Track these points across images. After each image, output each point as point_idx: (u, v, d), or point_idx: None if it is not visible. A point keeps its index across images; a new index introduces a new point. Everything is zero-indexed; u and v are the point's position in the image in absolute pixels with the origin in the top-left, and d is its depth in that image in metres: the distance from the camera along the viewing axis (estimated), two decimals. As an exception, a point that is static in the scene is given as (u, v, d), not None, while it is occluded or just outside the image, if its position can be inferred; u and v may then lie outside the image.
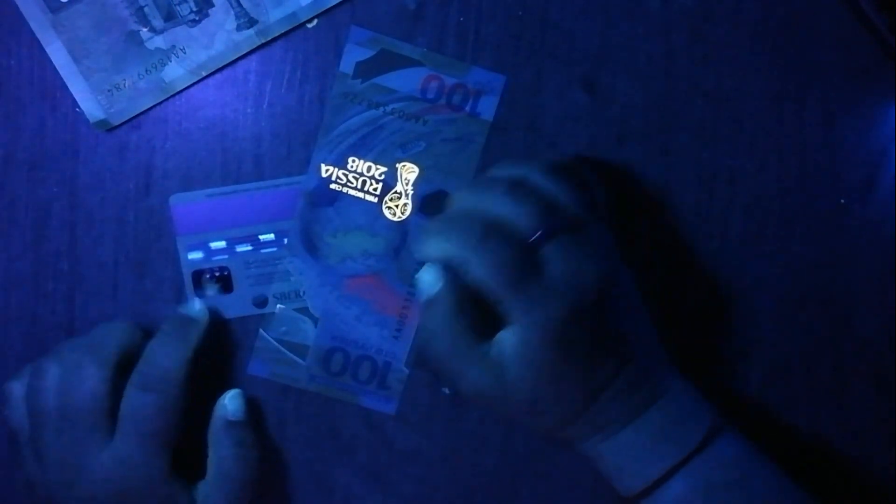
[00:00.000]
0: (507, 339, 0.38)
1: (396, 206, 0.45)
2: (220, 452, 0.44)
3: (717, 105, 0.45)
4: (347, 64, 0.45)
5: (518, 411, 0.40)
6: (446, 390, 0.47)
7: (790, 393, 0.46)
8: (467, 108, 0.45)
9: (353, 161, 0.45)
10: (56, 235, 0.47)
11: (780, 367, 0.46)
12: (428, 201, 0.45)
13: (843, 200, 0.46)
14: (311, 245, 0.46)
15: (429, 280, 0.40)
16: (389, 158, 0.45)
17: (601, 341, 0.39)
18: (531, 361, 0.38)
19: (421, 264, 0.41)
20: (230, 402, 0.45)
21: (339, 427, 0.47)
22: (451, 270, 0.39)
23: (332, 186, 0.45)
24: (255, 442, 0.45)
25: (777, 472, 0.40)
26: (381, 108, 0.45)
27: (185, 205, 0.45)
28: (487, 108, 0.45)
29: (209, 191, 0.46)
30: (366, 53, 0.45)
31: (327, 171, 0.45)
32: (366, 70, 0.45)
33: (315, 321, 0.46)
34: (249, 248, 0.46)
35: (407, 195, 0.45)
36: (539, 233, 0.38)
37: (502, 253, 0.38)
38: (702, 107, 0.45)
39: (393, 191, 0.45)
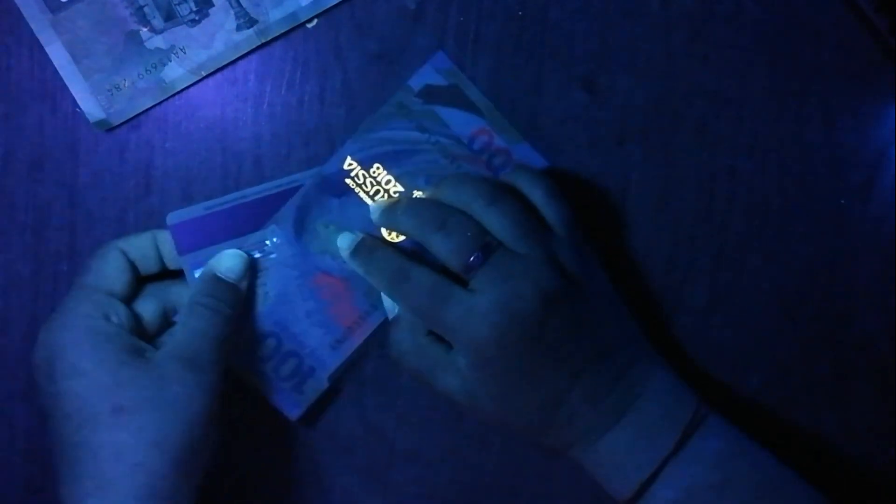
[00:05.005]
0: (457, 357, 0.40)
1: None
2: (193, 299, 0.42)
3: (717, 105, 0.45)
4: (418, 82, 0.45)
5: (488, 419, 0.42)
6: None
7: (790, 393, 0.46)
8: (502, 175, 0.44)
9: (378, 168, 0.45)
10: (56, 236, 0.47)
11: (780, 367, 0.46)
12: None
13: (843, 200, 0.46)
14: (300, 224, 0.45)
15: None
16: (411, 182, 0.45)
17: (550, 354, 0.40)
18: (479, 379, 0.40)
19: None
20: (226, 259, 0.43)
21: (339, 427, 0.47)
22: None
23: (347, 181, 0.45)
24: (236, 306, 0.43)
25: (763, 462, 0.40)
26: (427, 135, 0.45)
27: (185, 221, 0.44)
28: None
29: (207, 203, 0.45)
30: (438, 80, 0.45)
31: (350, 164, 0.45)
32: (431, 95, 0.45)
33: (266, 297, 0.45)
34: (259, 255, 0.45)
35: None
36: (466, 263, 0.40)
37: (419, 289, 0.40)
38: (702, 107, 0.45)
39: None
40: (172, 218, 0.44)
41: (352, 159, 0.45)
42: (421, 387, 0.47)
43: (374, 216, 0.44)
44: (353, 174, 0.45)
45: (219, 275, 0.43)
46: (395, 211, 0.43)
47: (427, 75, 0.45)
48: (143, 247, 0.43)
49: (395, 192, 0.45)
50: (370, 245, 0.43)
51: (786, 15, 0.45)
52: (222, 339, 0.42)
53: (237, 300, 0.43)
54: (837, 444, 0.46)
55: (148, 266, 0.44)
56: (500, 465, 0.47)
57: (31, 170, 0.46)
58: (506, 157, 0.45)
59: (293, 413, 0.45)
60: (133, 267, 0.43)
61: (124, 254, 0.43)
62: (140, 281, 0.44)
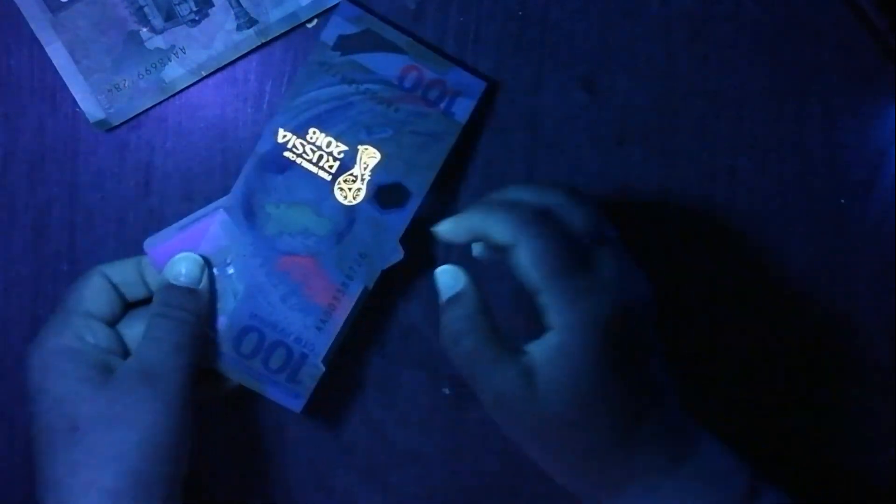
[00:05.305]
0: (544, 342, 0.35)
1: (349, 190, 0.43)
2: (152, 310, 0.41)
3: (717, 105, 0.45)
4: (330, 35, 0.43)
5: (544, 430, 0.36)
6: (446, 390, 0.47)
7: (790, 393, 0.46)
8: (442, 106, 0.43)
9: (314, 133, 0.43)
10: (56, 235, 0.47)
11: (780, 367, 0.46)
12: (383, 192, 0.43)
13: (843, 200, 0.46)
14: (249, 211, 0.43)
15: (447, 280, 0.38)
16: (352, 138, 0.43)
17: (644, 364, 0.36)
18: (569, 366, 0.35)
19: (363, 256, 0.43)
20: (177, 264, 0.42)
21: (340, 427, 0.47)
22: (470, 273, 0.38)
23: (286, 154, 0.43)
24: (200, 314, 0.42)
25: None
26: (355, 86, 0.43)
27: (161, 245, 0.43)
28: (462, 110, 0.43)
29: (179, 223, 0.44)
30: (350, 29, 0.43)
31: (284, 136, 0.43)
32: (347, 45, 0.43)
33: (236, 293, 0.43)
34: (216, 255, 0.43)
35: (363, 180, 0.43)
36: (598, 232, 0.36)
37: (553, 239, 0.35)
38: (702, 107, 0.45)
39: (349, 172, 0.43)
40: (149, 244, 0.43)
41: (284, 130, 0.43)
42: (421, 387, 0.47)
43: (452, 233, 0.38)
44: (290, 146, 0.43)
45: (171, 281, 0.42)
46: (507, 192, 0.38)
47: (337, 26, 0.43)
48: (128, 273, 0.43)
49: (339, 153, 0.43)
50: (495, 197, 0.38)
51: (786, 15, 0.45)
52: (182, 346, 0.40)
53: (196, 303, 0.42)
54: (837, 444, 0.46)
55: (134, 292, 0.43)
56: (500, 465, 0.47)
57: (31, 170, 0.46)
58: (441, 87, 0.43)
59: (295, 405, 0.43)
60: (116, 290, 0.43)
61: (107, 278, 0.42)
62: (131, 306, 0.44)
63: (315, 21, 0.45)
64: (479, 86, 0.44)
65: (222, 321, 0.43)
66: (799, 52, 0.45)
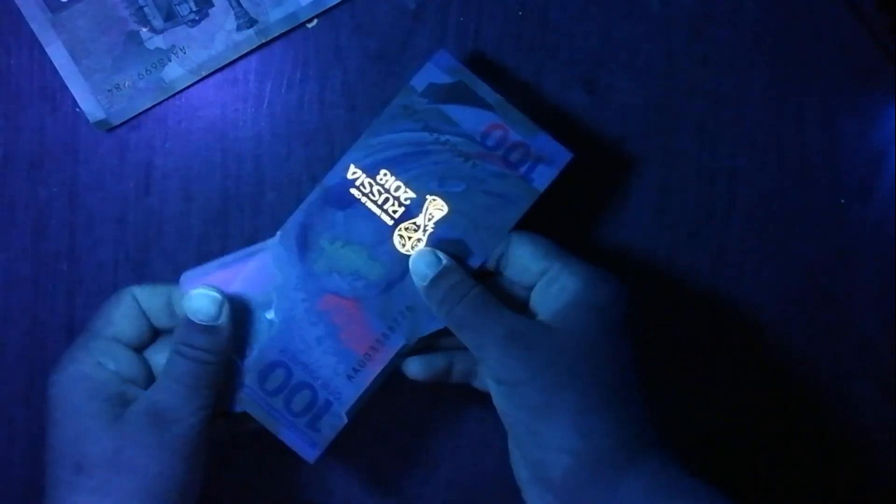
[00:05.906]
0: (554, 295, 0.39)
1: (409, 238, 0.41)
2: (173, 347, 0.39)
3: (717, 105, 0.45)
4: (420, 81, 0.42)
5: (562, 359, 0.37)
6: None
7: (790, 392, 0.46)
8: (522, 170, 0.41)
9: (385, 174, 0.41)
10: (56, 235, 0.47)
11: (780, 366, 0.46)
12: (444, 247, 0.41)
13: (843, 200, 0.46)
14: (303, 242, 0.41)
15: (428, 261, 0.40)
16: (422, 187, 0.41)
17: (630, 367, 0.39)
18: (588, 303, 0.38)
19: (409, 309, 0.41)
20: (194, 300, 0.39)
21: (339, 427, 0.47)
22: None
23: (352, 191, 0.41)
24: (220, 351, 0.39)
25: None
26: (435, 135, 0.41)
27: (197, 280, 0.41)
28: (542, 177, 0.41)
29: (221, 260, 0.41)
30: (442, 78, 0.42)
31: (354, 173, 0.41)
32: (436, 94, 0.42)
33: (271, 325, 0.41)
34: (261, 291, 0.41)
35: (425, 231, 0.41)
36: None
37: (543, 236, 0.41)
38: (702, 107, 0.45)
39: (412, 220, 0.41)
40: (185, 278, 0.41)
41: (356, 167, 0.41)
42: (421, 387, 0.47)
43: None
44: (358, 183, 0.41)
45: (190, 317, 0.39)
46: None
47: (430, 74, 0.42)
48: (158, 299, 0.41)
49: (405, 199, 0.41)
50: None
51: (786, 15, 0.45)
52: (199, 388, 0.39)
53: (215, 341, 0.39)
54: (837, 445, 0.46)
55: (161, 321, 0.42)
56: (500, 466, 0.47)
57: (31, 170, 0.46)
58: (524, 151, 0.41)
59: (310, 454, 0.41)
60: (145, 314, 0.41)
61: (137, 301, 0.41)
62: (159, 332, 0.42)
63: (315, 21, 0.45)
64: (565, 156, 0.41)
65: (252, 351, 0.41)
66: (799, 52, 0.45)
